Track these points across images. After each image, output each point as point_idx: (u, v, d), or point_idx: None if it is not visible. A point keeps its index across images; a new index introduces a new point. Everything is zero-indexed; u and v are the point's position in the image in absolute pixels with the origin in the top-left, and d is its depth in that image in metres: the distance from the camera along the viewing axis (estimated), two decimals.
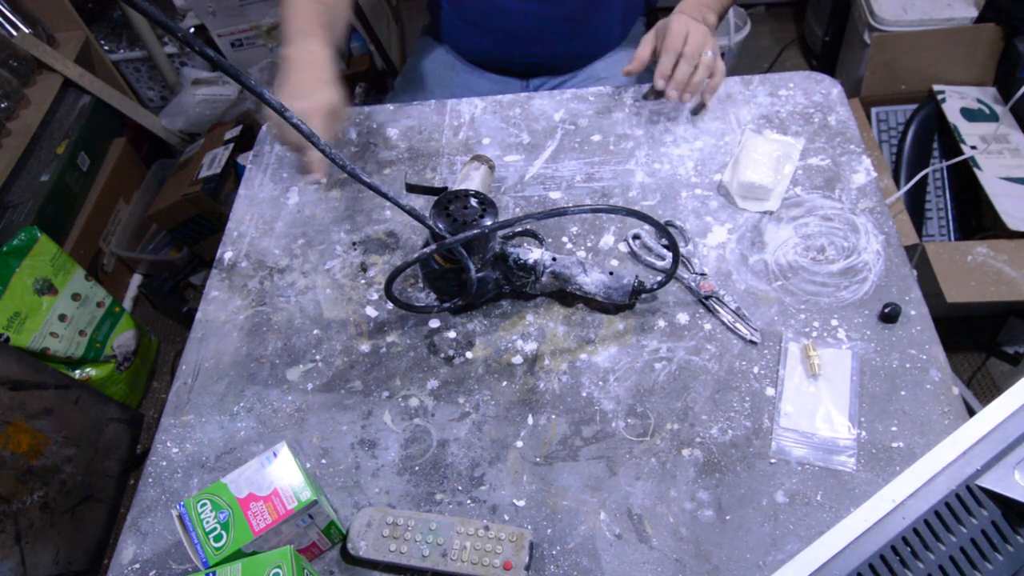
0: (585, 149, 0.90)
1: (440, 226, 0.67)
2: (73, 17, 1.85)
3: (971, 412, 0.54)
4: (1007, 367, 1.42)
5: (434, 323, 0.76)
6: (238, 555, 0.54)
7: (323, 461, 0.68)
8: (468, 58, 1.18)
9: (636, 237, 0.80)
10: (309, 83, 0.79)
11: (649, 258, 0.79)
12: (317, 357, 0.75)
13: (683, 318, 0.73)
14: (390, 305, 0.78)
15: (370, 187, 0.60)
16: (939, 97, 1.51)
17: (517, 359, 0.73)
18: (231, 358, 0.76)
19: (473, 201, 0.70)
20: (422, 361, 0.74)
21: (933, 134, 1.53)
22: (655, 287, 0.72)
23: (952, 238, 1.46)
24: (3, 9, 1.69)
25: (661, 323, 0.73)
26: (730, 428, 0.65)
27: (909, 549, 0.42)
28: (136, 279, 1.91)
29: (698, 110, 0.93)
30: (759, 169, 0.80)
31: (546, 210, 0.63)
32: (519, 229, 0.81)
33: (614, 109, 0.95)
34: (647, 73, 1.16)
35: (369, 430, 0.69)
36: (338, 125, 0.81)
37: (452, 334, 0.75)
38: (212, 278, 0.84)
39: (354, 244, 0.85)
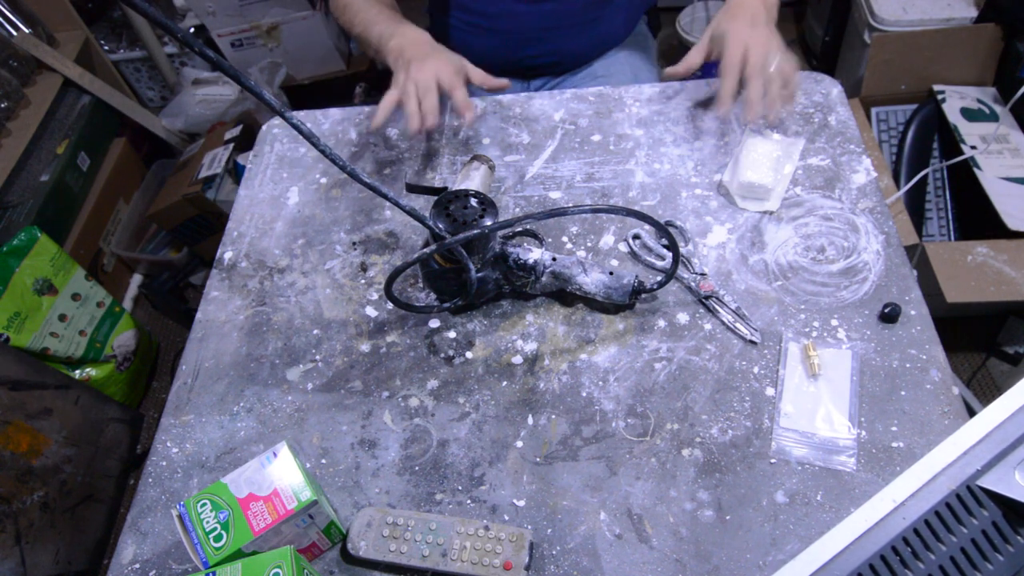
0: (585, 149, 0.90)
1: (440, 226, 0.67)
2: (73, 17, 1.86)
3: (971, 412, 0.54)
4: (1007, 367, 1.42)
5: (434, 323, 0.76)
6: (238, 555, 0.54)
7: (323, 461, 0.68)
8: (471, 60, 1.18)
9: (636, 237, 0.80)
10: (429, 52, 0.88)
11: (649, 258, 0.78)
12: (317, 357, 0.75)
13: (683, 318, 0.73)
14: (390, 305, 0.78)
15: (370, 187, 0.60)
16: (939, 97, 1.51)
17: (517, 359, 0.73)
18: (231, 358, 0.76)
19: (473, 201, 0.70)
20: (422, 361, 0.74)
21: (933, 134, 1.53)
22: (655, 287, 0.72)
23: (952, 238, 1.46)
24: (3, 9, 1.69)
25: (661, 323, 0.73)
26: (730, 428, 0.65)
27: (909, 549, 0.42)
28: (136, 279, 1.91)
29: (775, 124, 0.87)
30: (759, 169, 0.80)
31: (546, 210, 0.63)
32: (519, 229, 0.81)
33: (614, 109, 0.95)
34: (646, 73, 1.16)
35: (369, 430, 0.69)
36: (461, 78, 0.88)
37: (452, 334, 0.75)
38: (212, 278, 0.84)
39: (354, 244, 0.85)
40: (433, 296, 0.78)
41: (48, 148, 1.69)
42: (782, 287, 0.74)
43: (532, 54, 1.11)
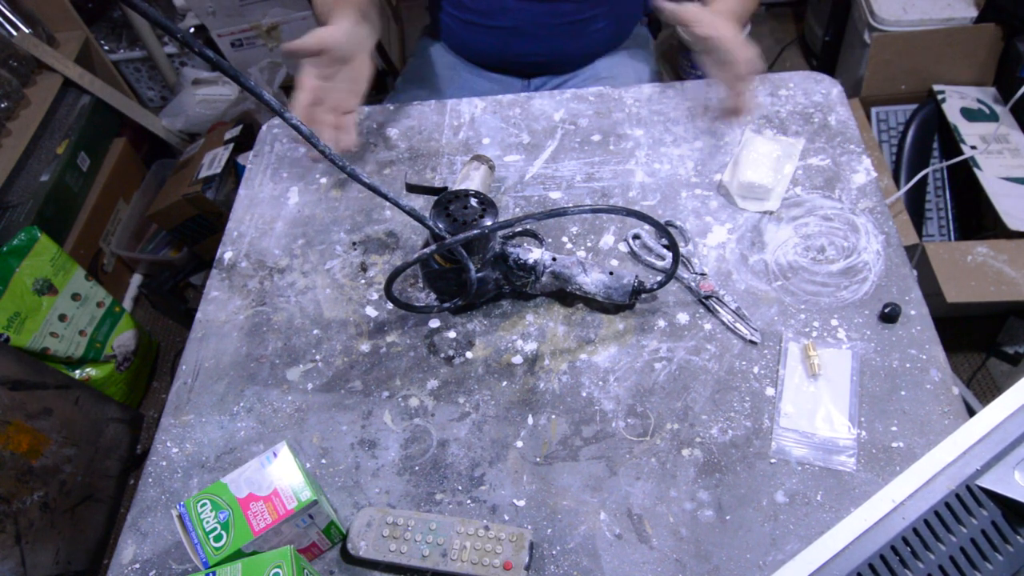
0: (585, 149, 0.90)
1: (440, 226, 0.67)
2: (73, 17, 1.86)
3: (971, 412, 0.54)
4: (1007, 367, 1.42)
5: (434, 323, 0.76)
6: (238, 555, 0.54)
7: (323, 461, 0.68)
8: (469, 58, 1.18)
9: (636, 237, 0.80)
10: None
11: (649, 258, 0.79)
12: (317, 357, 0.75)
13: (683, 318, 0.73)
14: (390, 305, 0.78)
15: (369, 187, 0.60)
16: (939, 97, 1.51)
17: (517, 359, 0.73)
18: (231, 358, 0.76)
19: (473, 201, 0.70)
20: (422, 361, 0.74)
21: (933, 134, 1.53)
22: (655, 287, 0.72)
23: (952, 238, 1.46)
24: (3, 9, 1.69)
25: (661, 323, 0.73)
26: (730, 428, 0.65)
27: (909, 549, 0.42)
28: (136, 279, 1.91)
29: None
30: (759, 169, 0.80)
31: (546, 210, 0.63)
32: (519, 229, 0.81)
33: (614, 109, 0.95)
34: (648, 75, 1.16)
35: (369, 430, 0.69)
36: (332, 56, 0.82)
37: (452, 334, 0.75)
38: (212, 278, 0.84)
39: (354, 244, 0.85)
40: (433, 296, 0.78)
41: (48, 148, 1.69)
42: (782, 287, 0.74)
43: (527, 51, 1.11)
